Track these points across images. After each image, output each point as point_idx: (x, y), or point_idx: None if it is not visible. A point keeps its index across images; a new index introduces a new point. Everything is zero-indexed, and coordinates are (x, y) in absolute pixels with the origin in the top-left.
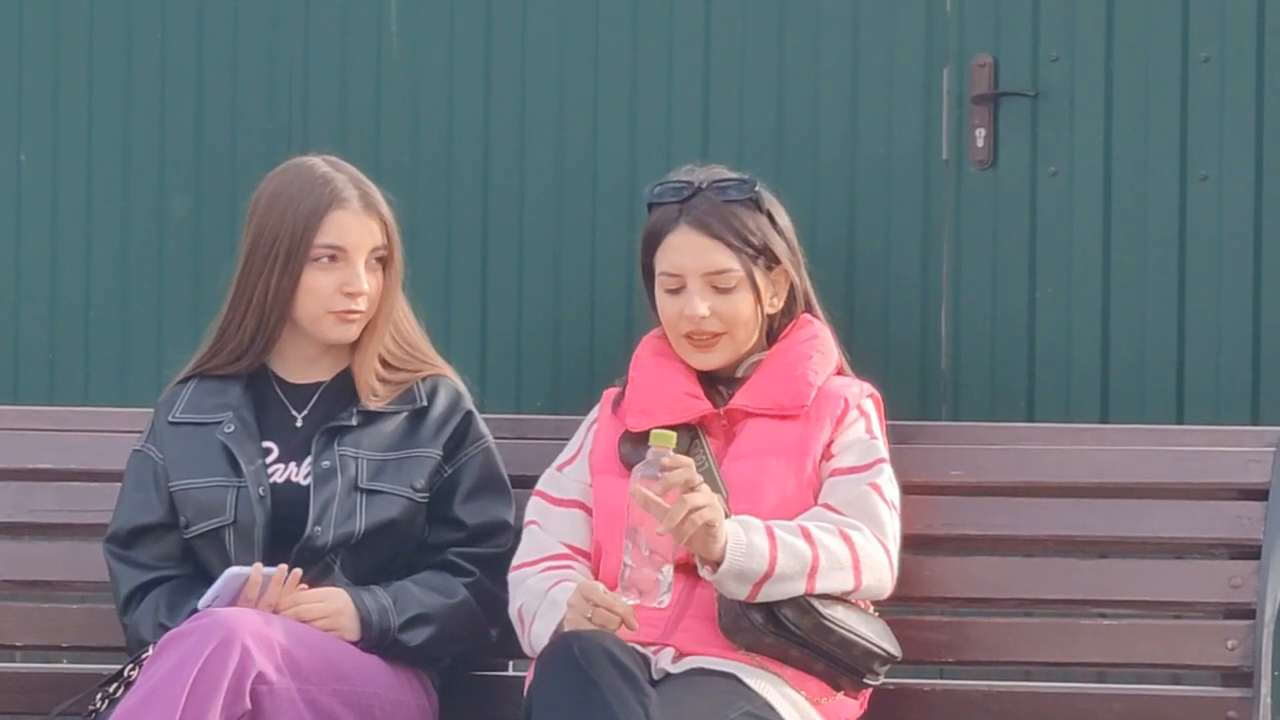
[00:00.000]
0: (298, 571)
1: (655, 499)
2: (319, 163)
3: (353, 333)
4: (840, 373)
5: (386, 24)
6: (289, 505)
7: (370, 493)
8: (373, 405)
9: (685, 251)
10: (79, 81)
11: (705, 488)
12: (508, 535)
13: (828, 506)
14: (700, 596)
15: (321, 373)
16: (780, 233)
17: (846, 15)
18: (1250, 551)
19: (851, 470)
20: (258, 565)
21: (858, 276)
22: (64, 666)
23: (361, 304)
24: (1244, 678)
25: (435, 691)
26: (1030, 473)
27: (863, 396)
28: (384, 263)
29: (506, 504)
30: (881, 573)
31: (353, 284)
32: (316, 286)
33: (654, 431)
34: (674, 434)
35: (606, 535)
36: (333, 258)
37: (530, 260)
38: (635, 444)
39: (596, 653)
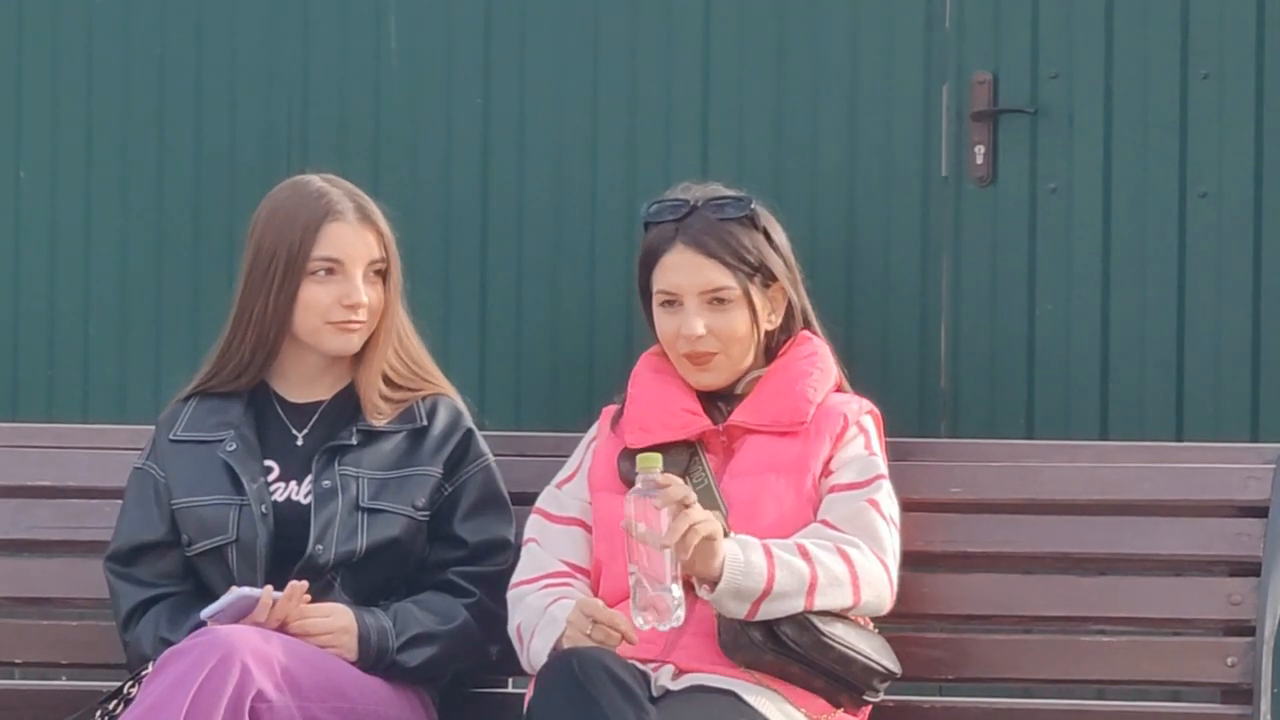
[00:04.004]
0: (304, 584)
1: (648, 532)
2: (314, 179)
3: (354, 343)
4: (839, 389)
5: (385, 42)
6: (290, 524)
7: (371, 512)
8: (377, 423)
9: (681, 271)
10: (78, 99)
11: (698, 505)
12: (508, 553)
13: (826, 523)
14: (700, 614)
15: (322, 391)
16: (777, 250)
17: (846, 32)
18: (1250, 568)
19: (850, 487)
20: (268, 589)
21: (857, 293)
22: (63, 683)
23: (361, 315)
24: (1244, 695)
25: (435, 708)
26: (1030, 489)
27: (862, 413)
28: (383, 276)
29: (507, 522)
30: (880, 589)
31: (351, 296)
32: (314, 300)
33: (640, 455)
34: (659, 455)
35: (606, 552)
36: (330, 270)
37: (529, 277)
38: (634, 461)
39: (596, 669)
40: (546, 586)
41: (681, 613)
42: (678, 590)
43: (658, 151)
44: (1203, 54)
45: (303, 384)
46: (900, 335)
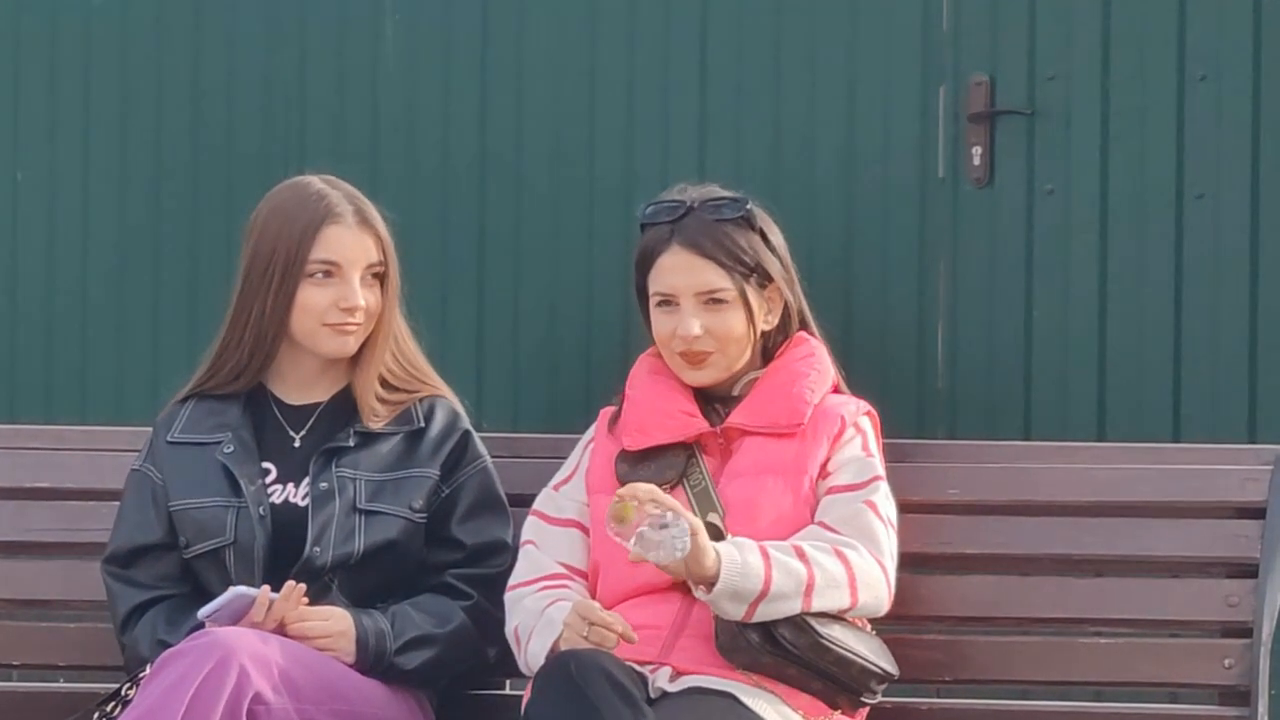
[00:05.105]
0: (301, 585)
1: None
2: (314, 180)
3: (351, 345)
4: (837, 390)
5: (383, 45)
6: (288, 526)
7: (369, 513)
8: (373, 425)
9: (677, 271)
10: (75, 99)
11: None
12: (506, 555)
13: (823, 525)
14: (697, 616)
15: (319, 394)
16: (773, 251)
17: (843, 33)
18: (1247, 570)
19: (847, 488)
20: (265, 588)
21: (855, 294)
22: (61, 685)
23: (358, 317)
24: (1241, 696)
25: (432, 711)
26: (1027, 491)
27: (859, 414)
28: (381, 279)
29: (504, 523)
30: (878, 590)
31: (348, 299)
32: (311, 302)
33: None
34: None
35: (603, 554)
36: (328, 273)
37: (527, 279)
38: (632, 463)
39: (593, 671)
40: (544, 588)
41: (687, 537)
42: (673, 519)
43: (655, 153)
44: (1200, 56)
45: (300, 386)
46: (898, 336)
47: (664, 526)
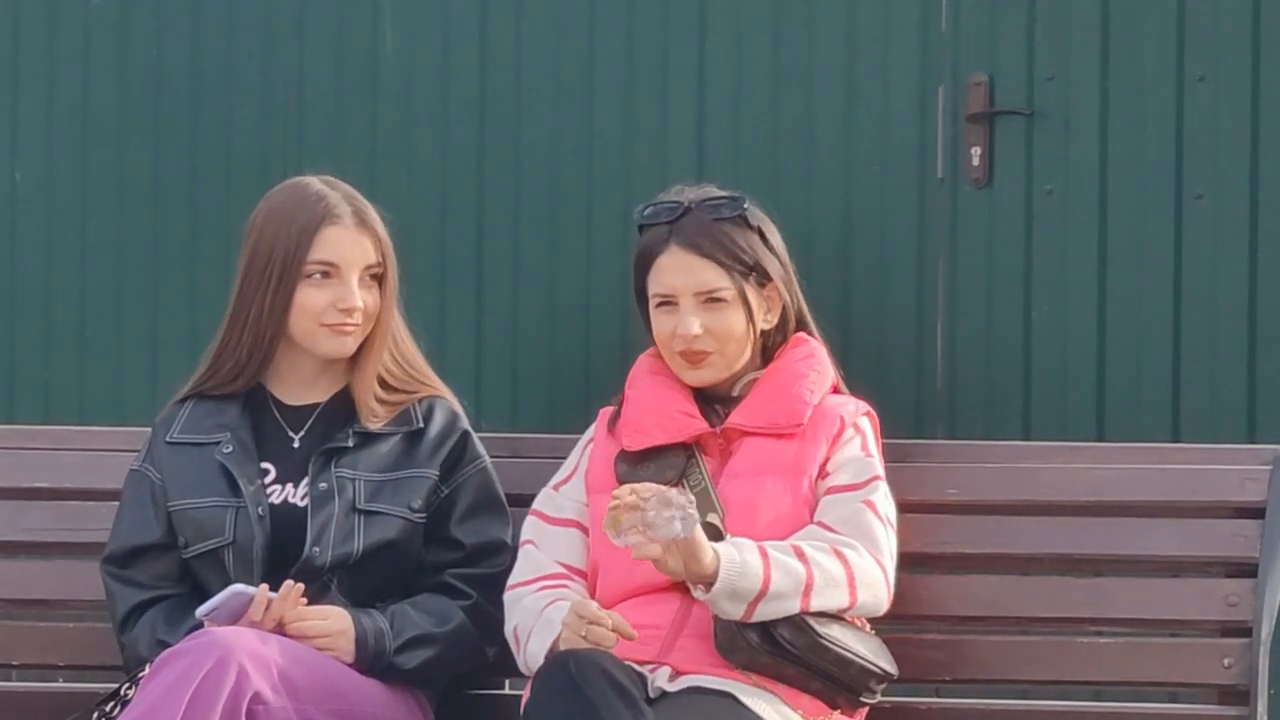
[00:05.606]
0: (300, 585)
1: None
2: (314, 181)
3: (349, 345)
4: (836, 391)
5: (382, 46)
6: (287, 526)
7: (368, 514)
8: (372, 426)
9: (676, 272)
10: (74, 101)
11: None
12: (505, 555)
13: (823, 524)
14: (696, 616)
15: (318, 394)
16: (771, 250)
17: (842, 34)
18: (1247, 569)
19: (846, 488)
20: (263, 587)
21: (854, 294)
22: (60, 685)
23: (356, 318)
24: (1241, 696)
25: (432, 710)
26: (1026, 491)
27: (858, 414)
28: (379, 280)
29: (504, 523)
30: (877, 590)
31: (346, 300)
32: (309, 303)
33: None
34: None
35: (603, 554)
36: (325, 274)
37: (526, 280)
38: (631, 463)
39: (593, 671)
40: (543, 588)
41: (692, 509)
42: (676, 499)
43: (653, 154)
44: (1198, 56)
45: (299, 386)
46: (897, 337)
47: (668, 504)
